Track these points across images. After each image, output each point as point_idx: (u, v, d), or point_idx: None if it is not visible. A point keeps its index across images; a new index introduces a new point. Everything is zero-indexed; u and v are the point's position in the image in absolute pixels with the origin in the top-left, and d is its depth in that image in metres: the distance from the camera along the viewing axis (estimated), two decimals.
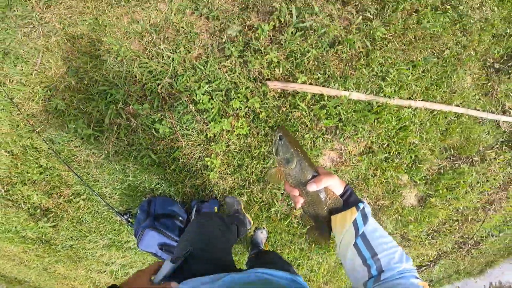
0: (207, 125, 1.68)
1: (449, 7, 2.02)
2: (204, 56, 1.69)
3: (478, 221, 2.52)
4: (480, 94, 2.32)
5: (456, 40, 2.10)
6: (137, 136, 1.72)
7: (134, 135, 1.72)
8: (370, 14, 1.87)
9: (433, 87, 2.08)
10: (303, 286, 0.79)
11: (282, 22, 1.74)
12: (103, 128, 1.72)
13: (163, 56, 1.66)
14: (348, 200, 0.66)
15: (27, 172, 1.91)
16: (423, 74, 2.04)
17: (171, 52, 1.66)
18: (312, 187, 0.64)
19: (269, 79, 1.68)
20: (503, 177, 2.46)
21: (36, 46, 1.74)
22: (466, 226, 2.52)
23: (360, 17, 1.85)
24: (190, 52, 1.68)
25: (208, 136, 1.70)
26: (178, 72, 1.65)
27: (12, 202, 1.98)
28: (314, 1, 1.81)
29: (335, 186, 0.66)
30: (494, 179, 2.43)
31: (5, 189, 1.95)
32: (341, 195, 0.67)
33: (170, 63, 1.64)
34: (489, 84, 2.28)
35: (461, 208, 2.44)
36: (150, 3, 1.75)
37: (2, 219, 2.04)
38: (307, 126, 1.78)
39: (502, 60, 2.31)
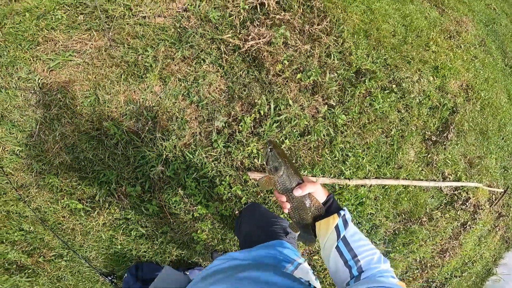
0: (194, 207, 1.90)
1: (394, 85, 2.47)
2: (193, 145, 1.91)
3: (438, 267, 2.96)
4: (422, 166, 2.77)
5: (400, 116, 2.54)
6: (126, 212, 1.89)
7: (124, 211, 1.89)
8: (333, 102, 2.22)
9: (384, 165, 2.48)
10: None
11: (262, 114, 2.03)
12: (94, 205, 1.87)
13: (155, 143, 1.86)
14: (330, 208, 0.74)
15: (7, 233, 1.94)
16: (375, 154, 2.44)
17: (163, 140, 1.87)
18: (297, 192, 0.71)
19: (249, 169, 1.95)
20: (452, 229, 2.94)
21: (35, 115, 1.82)
22: (427, 272, 2.97)
23: (326, 106, 2.19)
24: (180, 139, 1.91)
25: (194, 216, 1.92)
26: (169, 159, 1.87)
27: None
28: (288, 92, 2.13)
29: (318, 193, 0.74)
30: (444, 232, 2.88)
31: None
32: (324, 203, 0.74)
33: (162, 150, 1.85)
34: (429, 156, 2.74)
35: (419, 258, 2.86)
36: (146, 85, 1.95)
37: None
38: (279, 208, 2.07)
39: (438, 132, 2.80)
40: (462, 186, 2.94)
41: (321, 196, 0.75)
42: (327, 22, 2.40)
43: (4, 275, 2.02)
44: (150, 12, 2.12)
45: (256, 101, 1.99)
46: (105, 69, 1.92)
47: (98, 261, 2.06)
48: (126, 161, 1.87)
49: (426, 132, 2.76)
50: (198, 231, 1.95)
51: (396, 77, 2.55)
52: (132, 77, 1.92)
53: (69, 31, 1.93)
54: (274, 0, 2.33)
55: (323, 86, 2.18)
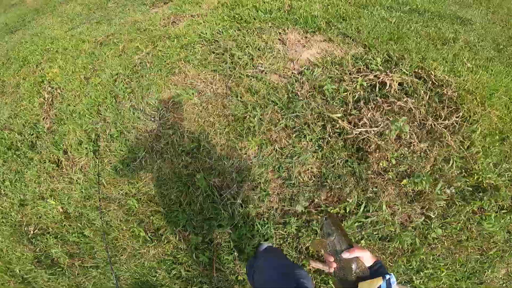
0: (241, 270, 1.89)
1: None
2: (265, 217, 1.87)
3: None
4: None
5: (508, 237, 2.06)
6: (177, 253, 1.96)
7: (176, 251, 1.98)
8: (433, 214, 1.90)
9: (463, 279, 2.07)
10: None
11: (347, 211, 1.86)
12: (155, 237, 2.00)
13: (232, 207, 1.88)
14: (377, 271, 0.79)
15: (67, 232, 2.08)
16: (459, 268, 2.04)
17: (241, 207, 1.87)
18: (345, 255, 0.79)
19: (312, 256, 1.83)
20: None
21: (146, 142, 1.97)
22: None
23: (423, 217, 1.89)
24: (255, 209, 1.88)
25: (238, 278, 1.91)
26: (238, 224, 1.87)
27: (31, 244, 2.14)
28: (384, 195, 1.89)
29: (366, 258, 0.80)
30: None
31: (33, 232, 2.13)
32: (370, 267, 0.80)
33: (236, 217, 1.86)
34: None
35: None
36: (243, 145, 1.90)
37: (9, 251, 2.16)
38: None
39: None
40: None
41: (368, 261, 0.80)
42: (457, 117, 2.02)
43: (31, 265, 2.09)
44: (268, 67, 2.08)
45: (345, 196, 1.82)
46: (214, 117, 1.98)
47: (127, 283, 2.05)
48: (200, 210, 1.94)
49: None
50: None
51: None
52: (233, 132, 1.94)
53: (199, 67, 2.02)
54: (396, 81, 2.04)
55: (429, 197, 1.87)
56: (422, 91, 2.05)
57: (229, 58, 1.91)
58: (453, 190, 1.89)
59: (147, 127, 2.06)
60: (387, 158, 1.85)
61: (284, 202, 1.87)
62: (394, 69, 2.15)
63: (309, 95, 1.95)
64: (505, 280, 2.20)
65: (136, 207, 2.01)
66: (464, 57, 2.49)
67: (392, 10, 2.88)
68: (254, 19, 2.55)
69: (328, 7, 2.77)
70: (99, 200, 2.02)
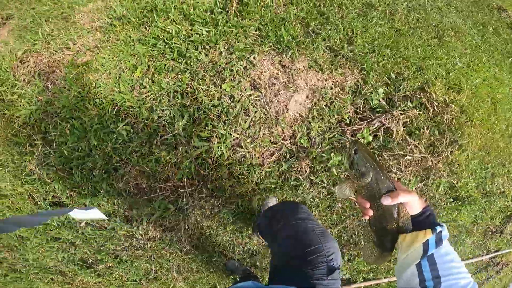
0: None
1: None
2: None
3: None
4: None
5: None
6: None
7: None
8: None
9: None
10: None
11: None
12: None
13: None
14: (425, 221, 0.61)
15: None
16: None
17: None
18: (386, 201, 0.59)
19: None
20: None
21: None
22: None
23: None
24: None
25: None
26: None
27: None
28: None
29: (413, 204, 0.61)
30: None
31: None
32: (418, 215, 0.62)
33: None
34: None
35: None
36: None
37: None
38: None
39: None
40: None
41: (415, 207, 0.62)
42: (452, 149, 1.90)
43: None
44: (247, 140, 1.41)
45: None
46: None
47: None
48: None
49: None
50: None
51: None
52: None
53: None
54: (402, 122, 1.66)
55: None
56: (425, 128, 1.76)
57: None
58: None
59: None
60: None
61: None
62: (397, 102, 1.70)
63: (317, 180, 1.44)
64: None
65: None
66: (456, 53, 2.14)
67: None
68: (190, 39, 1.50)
69: None
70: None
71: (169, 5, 1.64)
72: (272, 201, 1.54)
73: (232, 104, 1.41)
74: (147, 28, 1.60)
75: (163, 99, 1.40)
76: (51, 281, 1.52)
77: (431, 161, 1.83)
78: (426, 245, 0.57)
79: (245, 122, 1.42)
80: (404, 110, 1.75)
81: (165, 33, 1.55)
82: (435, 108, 1.85)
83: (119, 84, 1.40)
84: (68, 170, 1.41)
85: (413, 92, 1.82)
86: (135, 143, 1.38)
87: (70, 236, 1.44)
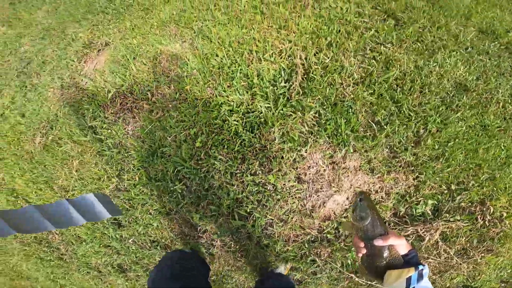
0: None
1: None
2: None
3: None
4: None
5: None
6: None
7: None
8: None
9: None
10: None
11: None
12: None
13: None
14: (410, 261, 0.71)
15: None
16: None
17: None
18: (378, 242, 0.71)
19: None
20: None
21: None
22: None
23: None
24: None
25: None
26: None
27: None
28: None
29: (401, 246, 0.72)
30: None
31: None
32: (404, 256, 0.72)
33: None
34: None
35: None
36: None
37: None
38: None
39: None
40: None
41: (403, 249, 0.73)
42: (483, 255, 1.84)
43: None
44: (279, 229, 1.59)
45: None
46: None
47: None
48: None
49: None
50: None
51: None
52: None
53: None
54: (440, 231, 1.61)
55: None
56: (463, 237, 1.67)
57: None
58: None
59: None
60: None
61: None
62: (444, 213, 1.61)
63: (339, 274, 1.61)
64: None
65: None
66: None
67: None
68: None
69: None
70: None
71: (236, 68, 1.63)
72: (281, 269, 1.74)
73: (273, 194, 1.54)
74: (212, 91, 1.66)
75: (215, 174, 1.58)
76: (86, 274, 2.03)
77: (456, 260, 1.80)
78: (409, 280, 0.67)
79: (281, 208, 1.57)
80: (448, 220, 1.66)
81: (226, 105, 1.62)
82: (486, 222, 1.70)
83: (181, 152, 1.59)
84: (131, 205, 1.79)
85: (469, 204, 1.68)
86: (186, 200, 1.65)
87: (118, 246, 1.89)
